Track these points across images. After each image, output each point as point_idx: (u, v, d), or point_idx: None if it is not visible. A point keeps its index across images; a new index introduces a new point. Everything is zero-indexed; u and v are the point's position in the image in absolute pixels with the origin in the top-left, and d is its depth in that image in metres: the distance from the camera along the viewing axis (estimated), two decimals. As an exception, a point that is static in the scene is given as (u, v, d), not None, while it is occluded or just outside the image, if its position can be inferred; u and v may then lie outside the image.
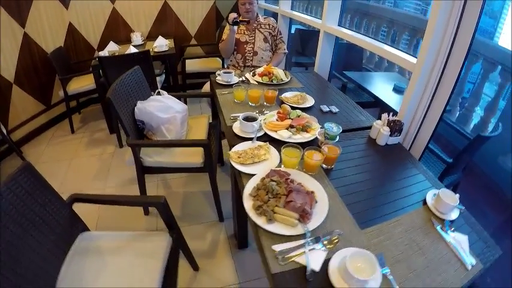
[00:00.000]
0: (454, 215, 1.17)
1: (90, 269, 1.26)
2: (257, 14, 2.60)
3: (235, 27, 2.46)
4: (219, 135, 2.33)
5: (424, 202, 1.22)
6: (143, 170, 1.93)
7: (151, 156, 1.90)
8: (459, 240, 1.07)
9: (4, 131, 2.62)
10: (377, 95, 2.67)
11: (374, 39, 2.27)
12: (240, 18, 2.42)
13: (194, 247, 1.75)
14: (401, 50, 1.92)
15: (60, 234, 1.28)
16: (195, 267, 1.81)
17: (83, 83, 3.11)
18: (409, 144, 1.79)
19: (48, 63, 3.12)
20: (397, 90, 2.76)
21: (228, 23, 2.38)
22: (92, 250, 1.34)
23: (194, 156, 1.88)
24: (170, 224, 1.45)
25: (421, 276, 0.94)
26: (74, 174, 2.63)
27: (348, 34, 2.28)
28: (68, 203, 1.35)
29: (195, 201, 2.38)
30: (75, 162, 2.82)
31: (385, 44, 2.10)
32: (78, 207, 1.42)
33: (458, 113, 3.10)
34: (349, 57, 3.49)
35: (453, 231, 1.11)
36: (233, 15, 2.35)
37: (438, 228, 1.11)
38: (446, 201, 1.14)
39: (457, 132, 2.61)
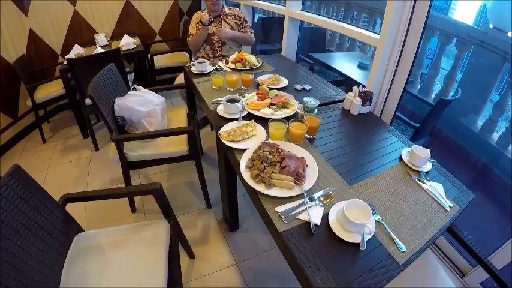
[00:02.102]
0: (427, 167, 1.33)
1: (94, 267, 1.24)
2: (222, 6, 2.65)
3: (209, 26, 2.51)
4: (197, 125, 2.37)
5: (400, 159, 1.37)
6: (129, 166, 1.93)
7: (136, 151, 1.90)
8: (435, 188, 1.21)
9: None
10: (344, 73, 2.81)
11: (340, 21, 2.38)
12: (212, 17, 2.49)
13: (187, 236, 1.76)
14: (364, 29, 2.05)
15: (57, 237, 1.24)
16: (191, 256, 1.84)
17: (51, 90, 3.01)
18: (379, 113, 1.95)
19: (11, 74, 2.99)
20: (362, 66, 2.93)
21: (203, 24, 2.42)
22: (92, 249, 1.32)
23: (179, 145, 1.92)
24: (167, 211, 1.47)
25: (409, 219, 1.07)
26: (53, 183, 2.58)
27: (314, 18, 2.39)
28: (60, 204, 1.32)
29: (181, 193, 2.40)
30: (52, 172, 2.76)
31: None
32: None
33: (419, 85, 3.33)
34: (313, 41, 3.63)
35: (429, 180, 1.26)
36: (206, 16, 2.41)
37: (415, 179, 1.26)
38: (420, 155, 1.29)
39: (420, 101, 2.81)
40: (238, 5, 3.56)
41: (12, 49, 3.09)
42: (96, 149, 3.01)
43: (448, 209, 1.12)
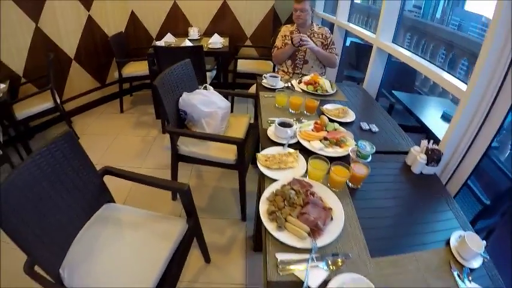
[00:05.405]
0: (476, 263, 1.06)
1: (105, 236, 1.35)
2: (312, 23, 2.60)
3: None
4: (257, 137, 2.36)
5: (447, 243, 1.13)
6: (178, 157, 2.03)
7: (187, 146, 1.99)
8: (475, 293, 0.96)
9: (58, 99, 2.82)
10: (423, 120, 2.53)
11: (428, 61, 2.15)
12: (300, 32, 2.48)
13: (211, 240, 1.78)
14: (454, 76, 1.80)
15: (87, 200, 1.40)
16: (207, 260, 1.86)
17: (137, 68, 3.33)
18: (447, 177, 1.69)
19: (107, 46, 3.38)
20: (446, 118, 2.60)
21: (293, 44, 2.39)
22: (112, 220, 1.44)
23: (228, 153, 1.94)
24: (190, 212, 1.51)
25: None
26: (116, 149, 2.80)
27: (401, 53, 2.19)
28: (99, 174, 1.47)
29: (223, 197, 2.42)
30: (119, 139, 3.01)
31: (441, 68, 1.98)
32: (113, 181, 1.53)
33: (509, 151, 2.85)
34: (401, 77, 3.34)
35: (470, 281, 1.00)
36: (298, 37, 2.35)
37: (455, 273, 1.02)
38: (471, 247, 1.04)
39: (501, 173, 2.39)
40: (327, 25, 3.49)
41: (113, 26, 3.54)
42: (164, 131, 3.21)
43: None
